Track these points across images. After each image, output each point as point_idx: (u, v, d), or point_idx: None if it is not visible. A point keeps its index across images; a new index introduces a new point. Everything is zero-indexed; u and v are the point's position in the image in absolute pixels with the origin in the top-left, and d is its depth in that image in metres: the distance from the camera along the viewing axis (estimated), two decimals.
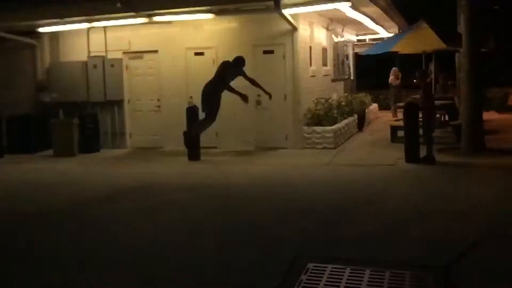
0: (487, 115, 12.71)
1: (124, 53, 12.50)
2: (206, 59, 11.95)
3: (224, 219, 6.24)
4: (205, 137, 10.95)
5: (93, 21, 11.87)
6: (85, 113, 12.41)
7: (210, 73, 11.82)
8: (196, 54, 12.05)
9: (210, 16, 11.18)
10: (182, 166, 10.05)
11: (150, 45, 12.26)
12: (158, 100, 12.43)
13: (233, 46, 11.70)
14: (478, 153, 9.81)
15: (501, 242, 5.10)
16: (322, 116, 11.53)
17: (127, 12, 11.17)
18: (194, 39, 11.99)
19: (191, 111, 10.57)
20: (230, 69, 9.85)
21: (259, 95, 11.50)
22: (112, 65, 12.40)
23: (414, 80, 14.67)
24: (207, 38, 11.93)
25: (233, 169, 9.52)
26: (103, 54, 12.51)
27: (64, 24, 12.06)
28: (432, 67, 15.62)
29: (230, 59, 11.65)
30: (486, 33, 18.92)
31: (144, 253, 5.10)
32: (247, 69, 11.56)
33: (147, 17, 11.44)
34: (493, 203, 6.45)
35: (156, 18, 11.46)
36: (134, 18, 11.46)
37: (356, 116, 13.77)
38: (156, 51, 12.29)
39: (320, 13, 12.70)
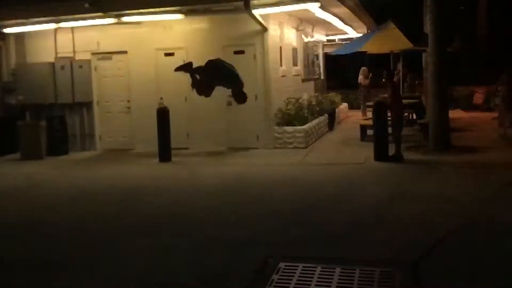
0: (453, 114, 13.02)
1: (92, 54, 12.33)
2: (176, 59, 11.87)
3: (195, 220, 6.23)
4: (176, 138, 10.91)
5: (60, 22, 11.68)
6: (53, 115, 12.19)
7: (179, 73, 11.81)
8: (166, 54, 11.98)
9: (179, 16, 11.13)
10: (153, 167, 9.98)
11: (119, 45, 12.13)
12: (128, 101, 12.30)
13: (204, 46, 11.68)
14: (445, 150, 10.04)
15: (467, 237, 5.24)
16: (293, 116, 11.62)
17: (95, 13, 11.04)
18: (164, 40, 11.92)
19: (162, 112, 10.51)
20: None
21: (229, 95, 11.51)
22: (81, 66, 12.21)
23: (383, 80, 14.90)
24: (177, 38, 11.88)
25: (204, 170, 9.51)
26: (71, 55, 12.32)
27: (30, 25, 11.84)
28: (400, 66, 15.92)
29: (201, 60, 11.66)
30: (452, 33, 19.40)
31: (104, 253, 5.06)
32: None
33: (115, 17, 11.32)
34: (459, 199, 6.61)
35: (125, 19, 11.35)
36: (103, 18, 11.32)
37: (326, 115, 13.92)
38: (125, 52, 12.17)
39: (289, 14, 12.78)
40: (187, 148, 11.62)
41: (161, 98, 10.93)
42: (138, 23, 11.63)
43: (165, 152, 10.37)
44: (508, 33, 21.64)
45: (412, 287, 4.10)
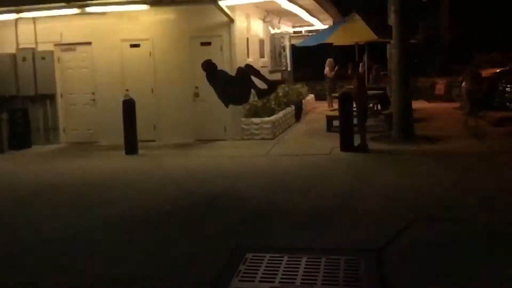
0: (416, 104, 13.31)
1: (55, 45, 12.07)
2: (142, 51, 11.77)
3: (162, 212, 6.22)
4: (143, 131, 10.81)
5: (21, 12, 11.37)
6: (15, 108, 11.89)
7: (146, 65, 11.73)
8: (132, 46, 11.82)
9: (145, 7, 10.98)
10: (118, 160, 9.88)
11: (83, 36, 11.91)
12: (93, 93, 12.10)
13: (170, 38, 11.60)
14: (408, 140, 10.28)
15: (430, 224, 5.40)
16: (260, 108, 11.66)
17: (58, 2, 10.80)
18: (130, 31, 11.76)
19: (128, 104, 10.39)
20: None
21: (196, 87, 11.48)
22: (43, 58, 11.93)
23: (349, 71, 15.08)
24: (143, 29, 11.73)
25: (171, 162, 9.47)
26: (33, 46, 12.02)
27: None
28: (365, 58, 16.12)
29: (167, 51, 11.59)
30: (416, 25, 19.75)
31: (66, 245, 5.01)
32: (183, 60, 11.55)
33: (79, 7, 11.09)
34: (422, 187, 6.79)
35: (88, 9, 11.13)
36: (66, 8, 11.06)
37: (293, 107, 14.02)
38: (89, 43, 11.95)
39: (256, 5, 12.79)
40: (154, 141, 11.54)
41: (127, 90, 10.81)
42: (103, 13, 11.43)
43: (131, 145, 10.27)
44: (470, 27, 22.20)
45: (376, 274, 4.20)
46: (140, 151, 10.32)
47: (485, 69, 13.14)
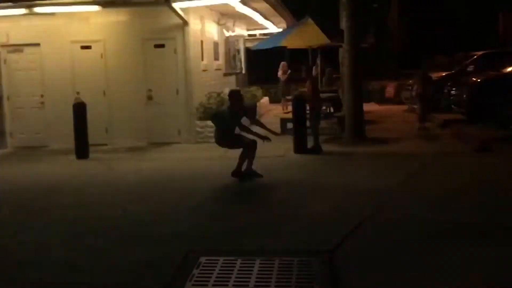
0: (367, 107, 13.62)
1: (1, 46, 11.66)
2: (93, 53, 11.53)
3: (114, 218, 6.11)
4: (94, 134, 10.59)
5: None
6: None
7: (98, 67, 11.50)
8: (83, 47, 11.56)
9: (96, 8, 10.77)
10: (69, 165, 9.63)
11: (31, 37, 11.54)
12: (42, 96, 11.75)
13: (122, 39, 11.43)
14: (360, 142, 10.53)
15: (380, 224, 5.54)
16: (214, 110, 11.62)
17: (4, 2, 10.46)
18: (80, 32, 11.50)
19: (79, 107, 10.15)
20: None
21: (150, 90, 11.36)
22: None
23: (302, 74, 15.26)
24: (94, 31, 11.50)
25: (123, 166, 9.32)
26: None
27: None
28: (318, 61, 16.37)
29: (119, 53, 11.40)
30: (367, 30, 20.24)
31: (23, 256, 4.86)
32: (137, 62, 11.40)
33: (26, 7, 10.77)
34: (372, 188, 6.96)
35: (37, 9, 10.82)
36: (12, 8, 10.73)
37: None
38: (38, 44, 11.59)
39: (211, 8, 12.77)
40: (106, 144, 11.32)
41: (78, 93, 10.57)
42: (52, 14, 11.14)
43: (82, 149, 10.04)
44: (418, 31, 22.95)
45: (328, 274, 4.27)
46: (91, 155, 10.10)
47: (432, 72, 13.60)
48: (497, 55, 14.61)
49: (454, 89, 12.99)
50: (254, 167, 7.73)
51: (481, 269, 4.22)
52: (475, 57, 15.07)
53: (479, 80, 12.21)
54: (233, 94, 7.99)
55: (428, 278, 4.12)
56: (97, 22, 11.44)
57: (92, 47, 11.52)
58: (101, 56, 11.49)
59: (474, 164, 8.39)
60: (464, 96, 12.22)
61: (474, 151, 9.28)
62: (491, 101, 10.77)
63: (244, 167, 7.71)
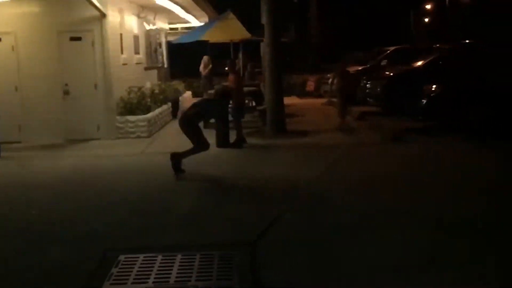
0: (289, 100, 13.93)
1: None
2: (3, 45, 10.91)
3: (28, 218, 5.85)
4: (6, 131, 10.06)
5: None
6: None
7: (9, 61, 10.90)
8: None
9: None
10: None
11: None
12: None
13: (35, 31, 10.90)
14: (281, 134, 10.77)
15: (301, 214, 5.70)
16: (135, 105, 11.41)
17: None
18: None
19: None
20: None
21: (66, 84, 10.94)
22: None
23: (226, 68, 15.30)
24: (4, 22, 10.86)
25: (38, 164, 8.93)
26: None
27: None
28: (240, 55, 16.48)
29: (32, 46, 10.87)
30: (287, 25, 20.61)
31: None
32: (51, 56, 10.92)
33: None
34: (292, 178, 7.16)
35: None
36: None
37: (170, 104, 13.90)
38: None
39: (130, 0, 12.46)
40: (19, 142, 10.77)
41: None
42: None
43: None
44: (337, 27, 23.70)
45: (249, 267, 4.34)
46: (3, 154, 9.58)
47: (350, 67, 14.10)
48: (408, 50, 15.40)
49: (369, 82, 13.53)
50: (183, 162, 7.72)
51: (388, 251, 4.48)
52: (388, 52, 15.81)
53: (391, 74, 12.82)
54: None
55: (347, 265, 4.30)
56: (8, 13, 10.80)
57: (2, 40, 10.90)
58: (12, 49, 10.90)
59: (388, 153, 8.87)
60: (378, 89, 12.78)
61: (387, 141, 9.81)
62: (402, 94, 11.34)
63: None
